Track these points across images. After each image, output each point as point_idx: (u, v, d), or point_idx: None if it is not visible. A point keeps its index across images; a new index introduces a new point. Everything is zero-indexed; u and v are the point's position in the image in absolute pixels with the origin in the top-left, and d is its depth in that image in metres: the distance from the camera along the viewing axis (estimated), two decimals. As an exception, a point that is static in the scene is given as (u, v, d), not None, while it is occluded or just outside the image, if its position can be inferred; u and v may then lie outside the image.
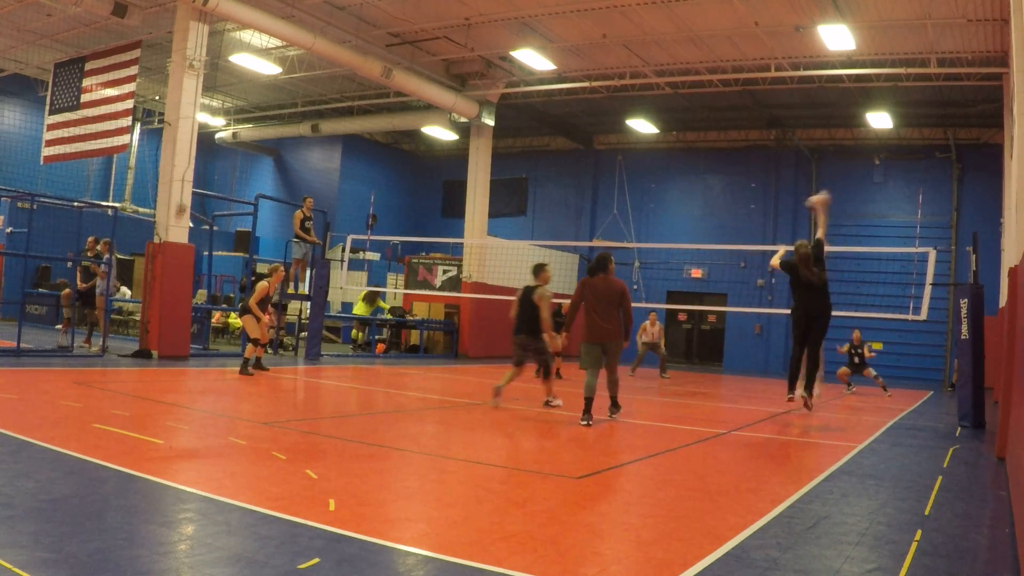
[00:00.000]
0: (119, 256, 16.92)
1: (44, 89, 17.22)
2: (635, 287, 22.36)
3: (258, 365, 11.37)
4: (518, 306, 9.16)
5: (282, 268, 11.92)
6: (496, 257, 20.12)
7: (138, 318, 14.69)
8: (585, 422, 7.96)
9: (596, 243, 23.65)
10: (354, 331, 19.76)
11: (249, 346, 11.18)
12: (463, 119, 19.96)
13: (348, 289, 19.36)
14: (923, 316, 11.28)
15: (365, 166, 26.86)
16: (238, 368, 11.12)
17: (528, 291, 9.06)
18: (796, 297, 8.80)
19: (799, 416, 10.53)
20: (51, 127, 15.17)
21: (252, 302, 11.09)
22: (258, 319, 11.08)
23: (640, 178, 24.56)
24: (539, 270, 9.20)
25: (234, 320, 17.94)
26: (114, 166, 24.78)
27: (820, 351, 9.02)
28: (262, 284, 11.31)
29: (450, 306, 20.08)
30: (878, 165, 21.57)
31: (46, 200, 15.38)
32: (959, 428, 9.75)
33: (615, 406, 8.62)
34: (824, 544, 4.04)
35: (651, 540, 4.00)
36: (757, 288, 22.06)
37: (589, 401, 8.12)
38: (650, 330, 17.39)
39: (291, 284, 15.57)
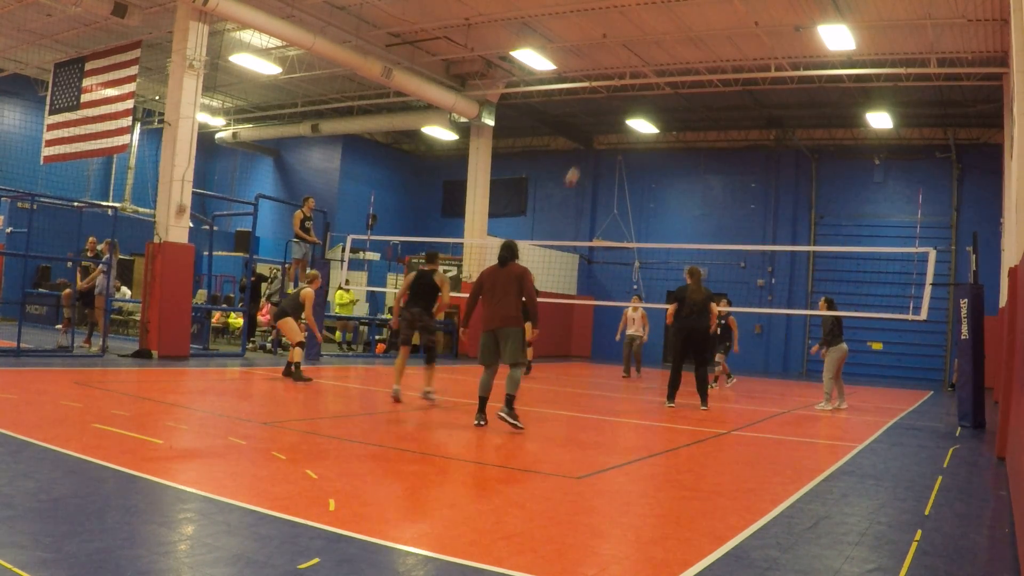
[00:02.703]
0: (120, 256, 16.92)
1: (44, 89, 17.22)
2: (635, 287, 22.38)
3: (290, 372, 10.71)
4: (414, 283, 9.15)
5: (319, 276, 11.61)
6: (496, 257, 20.08)
7: (138, 318, 14.69)
8: (478, 422, 7.40)
9: (596, 243, 23.67)
10: (337, 332, 19.62)
11: (297, 350, 10.70)
12: (463, 119, 19.96)
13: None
14: (923, 316, 11.29)
15: (365, 166, 26.85)
16: (291, 378, 10.55)
17: (427, 274, 9.18)
18: (680, 317, 10.31)
19: (799, 416, 10.54)
20: (51, 127, 15.17)
21: (309, 314, 10.85)
22: (313, 330, 11.11)
23: (640, 178, 24.56)
24: (434, 258, 9.42)
25: (234, 320, 17.94)
26: (114, 166, 24.78)
27: (707, 368, 10.54)
28: (309, 292, 10.89)
29: (450, 306, 20.06)
30: (878, 165, 21.56)
31: (46, 200, 15.38)
32: (959, 428, 9.75)
33: (507, 407, 7.28)
34: (824, 544, 4.05)
35: (651, 540, 4.00)
36: (757, 288, 22.07)
37: (482, 400, 7.52)
38: (632, 316, 15.64)
39: (291, 284, 15.58)
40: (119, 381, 9.55)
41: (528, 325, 8.56)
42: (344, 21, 16.23)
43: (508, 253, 7.86)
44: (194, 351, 13.81)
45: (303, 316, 10.91)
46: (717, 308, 10.90)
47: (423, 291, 9.08)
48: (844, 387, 11.62)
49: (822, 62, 16.11)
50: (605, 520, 4.37)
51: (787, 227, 22.38)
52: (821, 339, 11.30)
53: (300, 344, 10.79)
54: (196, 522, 3.73)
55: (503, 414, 7.26)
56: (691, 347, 10.33)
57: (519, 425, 7.21)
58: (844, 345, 11.14)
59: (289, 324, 10.82)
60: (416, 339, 9.42)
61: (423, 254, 9.90)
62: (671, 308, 10.47)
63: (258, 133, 25.14)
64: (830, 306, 11.38)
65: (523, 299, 7.62)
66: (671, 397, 10.46)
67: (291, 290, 15.50)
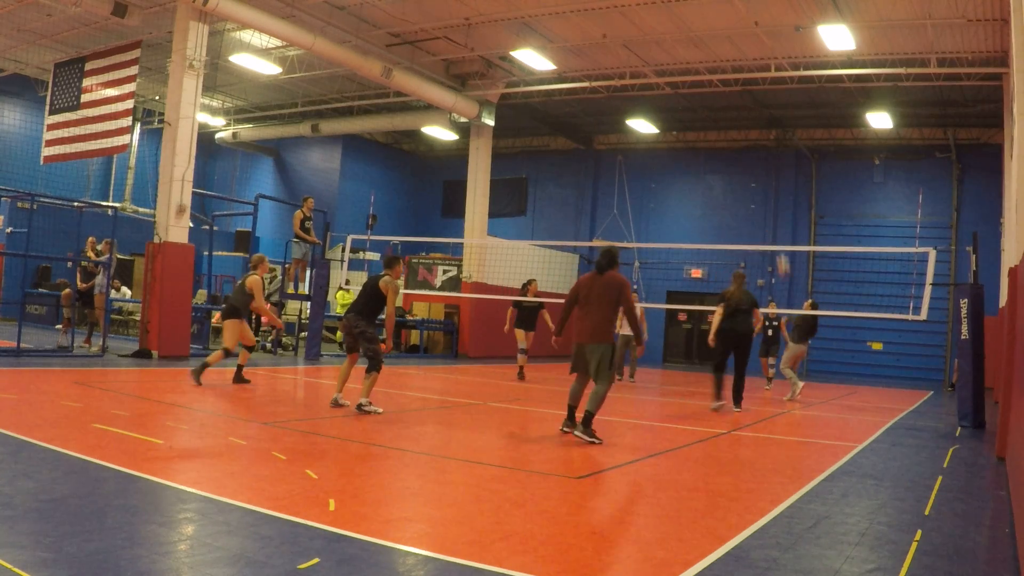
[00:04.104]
0: (120, 256, 16.91)
1: (44, 89, 17.22)
2: (635, 287, 22.39)
3: (197, 372, 9.38)
4: (363, 286, 8.49)
5: (265, 258, 10.32)
6: (496, 257, 20.11)
7: (138, 318, 14.69)
8: (563, 429, 7.33)
9: (596, 243, 23.66)
10: (338, 332, 19.61)
11: (217, 354, 9.57)
12: (463, 119, 19.96)
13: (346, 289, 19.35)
14: (923, 316, 11.30)
15: (365, 166, 26.86)
16: (193, 373, 9.38)
17: (375, 278, 8.39)
18: (728, 319, 10.17)
19: (799, 416, 10.54)
20: (51, 127, 15.17)
21: (260, 303, 9.65)
22: (270, 319, 9.88)
23: (640, 178, 24.57)
24: (393, 262, 8.44)
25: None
26: (114, 166, 24.78)
27: (745, 370, 10.52)
28: (255, 279, 9.73)
29: (450, 306, 20.08)
30: (878, 165, 21.57)
31: (46, 200, 15.39)
32: (959, 428, 9.75)
33: (583, 425, 7.02)
34: (824, 544, 4.05)
35: (651, 540, 4.00)
36: (757, 288, 22.05)
37: (570, 409, 7.35)
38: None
39: (291, 284, 15.57)
40: (119, 381, 9.55)
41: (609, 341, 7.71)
42: (344, 21, 16.23)
43: (607, 260, 7.32)
44: (194, 351, 13.80)
45: (253, 307, 9.77)
46: (761, 312, 10.93)
47: (364, 295, 8.36)
48: (801, 383, 12.75)
49: (822, 62, 16.11)
50: (605, 520, 4.37)
51: (787, 227, 22.38)
52: (793, 329, 12.56)
53: (226, 352, 9.54)
54: (196, 522, 3.73)
55: (579, 432, 7.02)
56: (734, 350, 10.27)
57: (596, 440, 6.93)
58: (805, 347, 12.45)
59: (232, 327, 9.59)
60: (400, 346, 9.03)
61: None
62: (718, 311, 10.25)
63: (258, 133, 25.14)
64: (813, 308, 12.72)
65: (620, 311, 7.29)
66: (717, 397, 10.31)
67: (290, 290, 15.52)
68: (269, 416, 7.55)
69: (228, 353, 9.56)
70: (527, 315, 13.99)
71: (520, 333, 13.98)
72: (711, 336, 10.26)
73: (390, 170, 27.93)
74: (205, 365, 9.45)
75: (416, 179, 28.74)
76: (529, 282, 14.28)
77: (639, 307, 15.53)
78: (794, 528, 4.32)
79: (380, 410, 8.09)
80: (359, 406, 8.05)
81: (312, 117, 23.72)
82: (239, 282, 10.00)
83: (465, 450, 6.44)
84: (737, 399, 10.30)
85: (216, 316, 17.68)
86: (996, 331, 11.45)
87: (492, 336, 20.11)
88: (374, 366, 8.18)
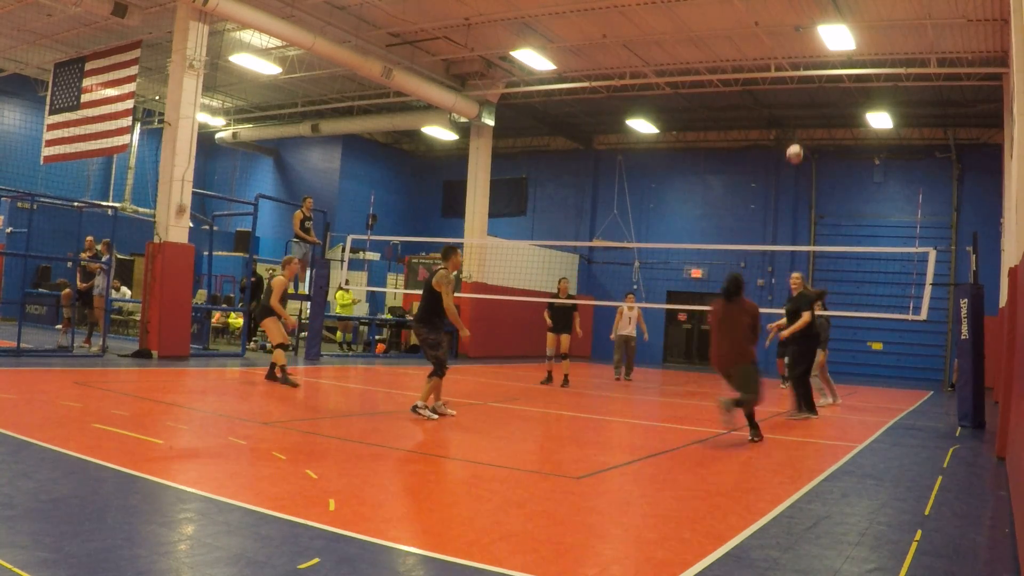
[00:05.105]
0: (120, 256, 16.91)
1: (44, 89, 17.22)
2: (635, 287, 22.40)
3: (274, 377, 9.97)
4: (422, 295, 8.07)
5: (296, 259, 10.70)
6: (496, 257, 20.12)
7: (138, 318, 14.69)
8: (751, 438, 7.59)
9: (596, 243, 23.67)
10: (338, 332, 19.61)
11: (278, 352, 9.92)
12: (463, 119, 19.96)
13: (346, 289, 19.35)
14: (923, 316, 11.29)
15: (365, 166, 26.86)
16: (280, 380, 9.91)
17: (430, 277, 7.95)
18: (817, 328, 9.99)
19: (799, 416, 10.54)
20: (51, 127, 15.17)
21: (275, 301, 9.88)
22: (283, 319, 9.95)
23: (640, 178, 24.56)
24: (449, 253, 8.04)
25: (234, 320, 17.93)
26: (114, 166, 24.78)
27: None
28: (280, 279, 10.05)
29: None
30: (878, 165, 21.57)
31: (46, 200, 15.39)
32: (959, 428, 9.75)
33: (751, 428, 7.60)
34: (824, 544, 4.05)
35: (651, 540, 4.00)
36: (757, 288, 22.05)
37: (748, 418, 7.66)
38: (627, 315, 14.69)
39: (290, 284, 15.55)
40: (119, 381, 9.55)
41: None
42: (344, 21, 16.23)
43: (734, 287, 7.68)
44: (194, 351, 13.81)
45: (272, 304, 9.97)
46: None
47: (423, 298, 7.93)
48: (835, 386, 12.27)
49: (822, 62, 16.11)
50: (605, 520, 4.37)
51: (787, 227, 22.38)
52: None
53: (282, 346, 9.96)
54: (196, 522, 3.74)
55: (752, 438, 7.55)
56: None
57: (755, 437, 7.48)
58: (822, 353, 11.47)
59: (272, 323, 9.98)
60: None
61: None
62: (807, 317, 9.77)
63: (258, 133, 25.14)
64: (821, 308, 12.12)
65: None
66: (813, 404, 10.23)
67: (291, 290, 15.50)
68: (269, 416, 7.56)
69: (284, 347, 9.98)
70: (558, 316, 13.13)
71: (551, 338, 13.18)
72: (787, 332, 9.88)
73: (390, 170, 27.92)
74: (283, 369, 9.94)
75: (416, 179, 28.73)
76: (560, 281, 13.58)
77: (638, 307, 15.58)
78: (794, 528, 4.32)
79: (435, 416, 7.74)
80: (414, 407, 7.80)
81: (312, 117, 23.71)
82: (267, 282, 10.36)
83: (465, 450, 6.44)
84: (808, 405, 10.03)
85: (216, 316, 17.73)
86: (996, 331, 11.43)
87: (492, 336, 20.13)
88: (436, 371, 7.81)
